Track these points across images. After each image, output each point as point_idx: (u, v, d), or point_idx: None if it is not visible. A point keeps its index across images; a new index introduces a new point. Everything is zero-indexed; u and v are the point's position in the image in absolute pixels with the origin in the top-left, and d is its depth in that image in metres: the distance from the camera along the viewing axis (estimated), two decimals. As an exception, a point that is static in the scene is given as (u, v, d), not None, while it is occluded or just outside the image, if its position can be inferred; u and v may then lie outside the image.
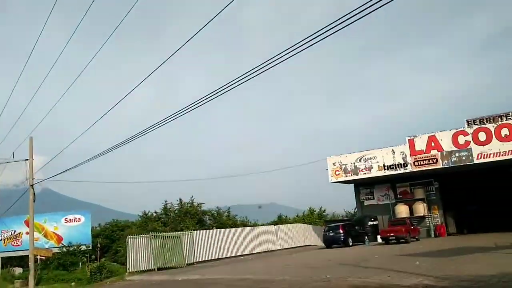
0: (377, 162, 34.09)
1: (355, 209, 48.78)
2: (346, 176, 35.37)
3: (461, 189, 40.33)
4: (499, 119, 30.05)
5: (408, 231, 29.67)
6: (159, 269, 25.34)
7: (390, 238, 29.49)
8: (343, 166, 35.50)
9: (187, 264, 27.33)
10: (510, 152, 29.43)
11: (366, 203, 37.78)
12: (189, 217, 40.10)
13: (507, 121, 29.74)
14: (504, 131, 29.74)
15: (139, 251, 25.80)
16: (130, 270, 25.30)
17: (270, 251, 33.98)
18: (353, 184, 38.23)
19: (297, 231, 38.89)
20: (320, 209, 53.69)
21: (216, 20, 10.12)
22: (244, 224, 43.30)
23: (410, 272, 13.04)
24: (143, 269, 25.40)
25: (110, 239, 48.91)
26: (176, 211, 41.36)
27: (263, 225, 42.24)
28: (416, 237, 31.07)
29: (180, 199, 41.53)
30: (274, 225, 39.11)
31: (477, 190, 43.19)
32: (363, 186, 37.77)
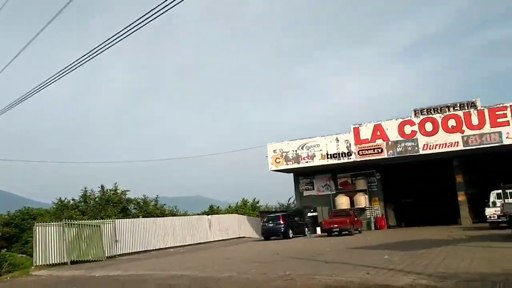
0: (320, 150, 32.14)
1: (289, 200, 47.07)
2: (287, 164, 33.11)
3: (402, 181, 39.69)
4: (447, 109, 29.11)
5: (352, 223, 27.93)
6: (74, 262, 21.43)
7: (333, 229, 27.56)
8: (284, 154, 33.20)
9: (107, 257, 23.60)
10: (456, 143, 28.58)
11: (306, 193, 35.82)
12: (111, 206, 35.95)
13: (454, 112, 28.87)
14: (451, 122, 28.85)
15: (49, 241, 21.69)
16: (38, 264, 21.19)
17: (203, 243, 30.94)
18: (292, 174, 36.14)
19: (232, 222, 36.15)
20: (254, 200, 51.37)
21: None
22: (173, 214, 39.81)
23: (389, 268, 10.70)
24: (53, 262, 21.36)
25: (20, 228, 43.61)
26: (97, 199, 37.00)
27: (195, 215, 39.05)
28: (359, 230, 29.47)
29: (102, 186, 37.21)
30: (207, 215, 36.07)
31: (417, 183, 42.85)
32: (303, 176, 35.77)
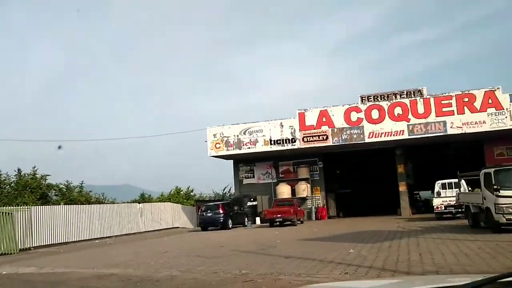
0: (264, 136, 30.36)
1: (224, 189, 45.09)
2: (227, 149, 31.02)
3: (344, 170, 39.09)
4: (393, 97, 28.39)
5: (295, 213, 26.47)
6: (-23, 257, 18.10)
7: (276, 219, 25.94)
8: (225, 139, 31.08)
9: (20, 249, 20.39)
10: (401, 132, 27.94)
11: (246, 181, 33.97)
12: (29, 191, 32.01)
13: (401, 100, 28.19)
14: (397, 110, 28.16)
15: None
16: None
17: (134, 233, 28.18)
18: (232, 161, 34.15)
19: (165, 211, 33.55)
20: (188, 188, 48.74)
21: None
22: (100, 202, 36.40)
23: (367, 266, 9.03)
24: (-49, 257, 17.91)
25: None
26: (12, 184, 32.83)
27: (124, 203, 35.92)
28: (301, 220, 28.10)
29: (18, 169, 33.06)
30: (138, 203, 33.18)
31: (359, 172, 42.55)
32: (243, 162, 33.87)
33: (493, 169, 14.27)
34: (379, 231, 18.58)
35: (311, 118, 29.52)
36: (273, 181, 32.88)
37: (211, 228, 27.31)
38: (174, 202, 39.68)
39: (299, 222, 27.37)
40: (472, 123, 26.84)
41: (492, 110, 26.57)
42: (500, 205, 13.49)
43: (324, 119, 29.30)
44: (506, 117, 26.31)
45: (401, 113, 28.01)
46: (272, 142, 30.08)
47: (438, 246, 11.96)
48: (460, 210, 19.66)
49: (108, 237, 26.11)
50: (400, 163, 31.28)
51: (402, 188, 31.19)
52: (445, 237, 14.25)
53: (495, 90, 26.71)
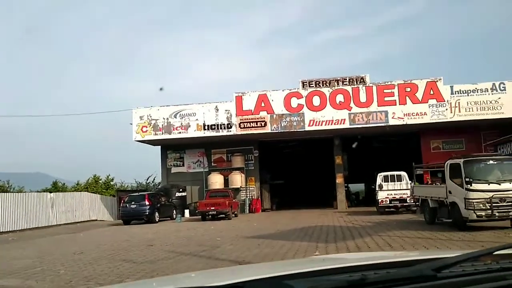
0: (197, 120, 27.73)
1: (148, 178, 41.85)
2: (156, 134, 28.03)
3: (278, 160, 37.59)
4: (336, 83, 26.98)
5: (231, 205, 24.22)
6: None
7: (210, 212, 23.53)
8: (153, 122, 28.05)
9: None
10: (343, 121, 26.65)
11: (174, 170, 31.15)
12: None
13: (343, 87, 26.87)
14: (339, 98, 26.82)
15: None
16: None
17: (43, 227, 24.39)
18: (160, 147, 31.15)
19: (81, 202, 29.78)
20: (107, 177, 44.63)
21: None
22: (5, 190, 31.79)
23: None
24: None
25: None
26: None
27: (33, 192, 31.58)
28: (235, 213, 25.91)
29: None
30: (50, 193, 29.12)
31: (296, 162, 41.26)
32: (172, 149, 31.01)
33: (462, 160, 12.91)
34: (327, 226, 16.87)
35: (249, 103, 27.38)
36: (205, 170, 30.38)
37: (135, 222, 24.31)
38: (92, 192, 35.76)
39: (234, 215, 25.17)
40: (413, 114, 26.15)
41: (433, 101, 26.04)
42: (470, 200, 12.12)
43: (263, 104, 27.28)
44: (446, 109, 25.87)
45: (343, 101, 26.71)
46: (206, 127, 27.57)
47: (415, 247, 10.26)
48: (414, 204, 18.35)
49: (12, 231, 22.22)
50: (338, 154, 30.11)
51: (339, 180, 30.04)
52: (411, 235, 12.70)
53: (437, 81, 26.17)
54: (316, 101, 26.90)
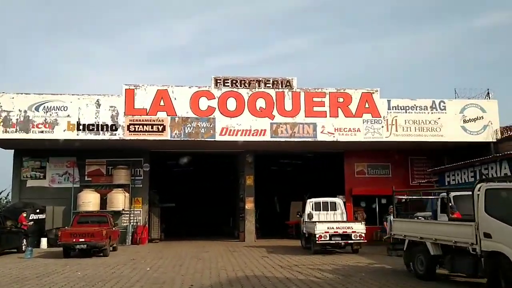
0: (69, 116, 20.32)
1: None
2: (6, 131, 19.95)
3: (172, 177, 31.26)
4: (256, 84, 21.66)
5: (109, 236, 17.19)
6: None
7: (78, 245, 16.26)
8: (5, 114, 20.03)
9: None
10: (263, 131, 21.34)
11: (31, 183, 23.00)
12: None
13: (265, 90, 21.65)
14: (260, 103, 21.56)
15: None
16: None
17: None
18: (13, 150, 22.91)
19: None
20: None
21: None
22: None
23: None
24: None
25: None
26: None
27: None
28: (114, 245, 18.84)
29: None
30: None
31: (190, 181, 35.20)
32: (30, 155, 22.97)
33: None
34: (269, 281, 11.00)
35: (144, 99, 20.82)
36: (75, 185, 22.76)
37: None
38: None
39: (112, 249, 18.13)
40: (345, 129, 21.76)
41: (368, 116, 21.97)
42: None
43: (162, 103, 20.89)
44: (382, 127, 21.94)
45: (264, 107, 21.46)
46: (81, 127, 20.26)
47: None
48: (391, 245, 13.16)
49: None
50: (250, 174, 24.67)
51: (249, 205, 24.53)
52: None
53: (373, 92, 22.20)
54: (231, 104, 21.27)
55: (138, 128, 20.60)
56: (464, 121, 22.17)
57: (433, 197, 16.27)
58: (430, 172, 22.38)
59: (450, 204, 11.90)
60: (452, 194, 12.06)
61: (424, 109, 22.23)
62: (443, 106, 22.32)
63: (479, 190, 8.47)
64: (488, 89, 22.72)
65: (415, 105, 22.25)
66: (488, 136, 22.10)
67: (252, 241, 23.77)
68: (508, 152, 16.85)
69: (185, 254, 17.65)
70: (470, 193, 8.71)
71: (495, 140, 21.89)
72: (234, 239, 25.49)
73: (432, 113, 22.20)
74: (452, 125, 22.08)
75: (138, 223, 23.40)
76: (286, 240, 24.37)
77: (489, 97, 22.70)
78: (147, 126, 20.67)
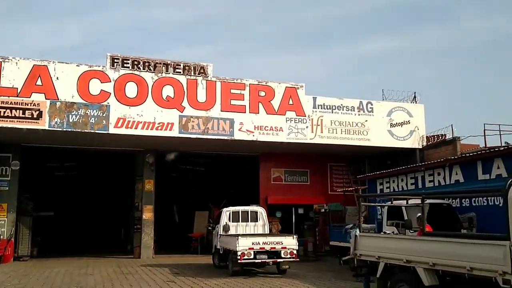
0: None
1: None
2: None
3: (50, 180, 26.01)
4: (164, 68, 17.87)
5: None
6: None
7: None
8: None
9: None
10: (170, 125, 17.66)
11: None
12: None
13: (174, 76, 17.96)
14: (167, 91, 17.85)
15: None
16: None
17: None
18: None
19: None
20: None
21: None
22: None
23: None
24: None
25: None
26: None
27: None
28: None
29: None
30: None
31: (74, 186, 30.06)
32: None
33: None
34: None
35: (15, 75, 15.99)
36: None
37: None
38: None
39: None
40: (266, 128, 18.82)
41: (292, 114, 19.28)
42: None
43: (39, 82, 16.22)
44: (307, 127, 19.37)
45: (172, 96, 17.76)
46: None
47: None
48: (357, 268, 9.74)
49: None
50: (150, 177, 20.68)
51: (148, 214, 20.43)
52: None
53: (298, 88, 19.57)
54: (131, 90, 17.22)
55: (5, 112, 15.68)
56: (391, 125, 20.46)
57: (376, 204, 13.76)
58: (358, 179, 20.19)
59: (418, 214, 9.39)
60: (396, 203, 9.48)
61: (351, 110, 20.11)
62: (370, 107, 20.40)
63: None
64: (415, 93, 21.28)
65: (342, 104, 20.04)
66: (414, 142, 20.62)
67: (149, 257, 19.79)
68: (464, 155, 15.05)
69: (60, 278, 13.25)
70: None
71: (421, 147, 20.48)
72: (127, 254, 21.25)
73: (359, 114, 20.15)
74: (379, 128, 20.24)
75: (1, 237, 18.17)
76: (190, 256, 20.80)
77: (415, 101, 21.28)
78: (18, 110, 15.82)
